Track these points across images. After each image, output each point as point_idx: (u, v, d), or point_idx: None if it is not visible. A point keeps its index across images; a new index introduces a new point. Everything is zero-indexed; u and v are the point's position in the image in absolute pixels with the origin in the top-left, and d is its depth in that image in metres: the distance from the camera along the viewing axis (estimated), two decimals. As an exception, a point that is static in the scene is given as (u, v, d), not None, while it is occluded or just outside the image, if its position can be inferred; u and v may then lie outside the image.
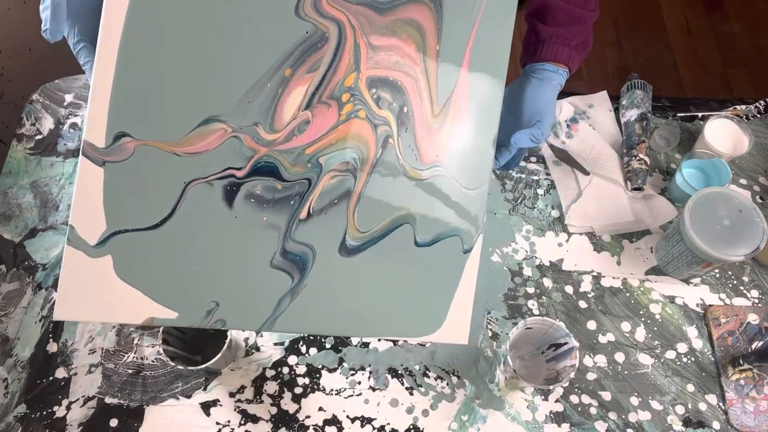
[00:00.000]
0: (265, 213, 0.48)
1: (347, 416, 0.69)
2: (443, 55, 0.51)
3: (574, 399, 0.70)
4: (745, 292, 0.76)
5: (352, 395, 0.70)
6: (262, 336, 0.72)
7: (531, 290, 0.76)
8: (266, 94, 0.46)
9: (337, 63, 0.48)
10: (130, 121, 0.44)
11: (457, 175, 0.53)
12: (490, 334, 0.73)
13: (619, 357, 0.72)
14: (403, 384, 0.70)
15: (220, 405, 0.69)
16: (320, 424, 0.68)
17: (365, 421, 0.68)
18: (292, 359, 0.71)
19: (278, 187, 0.48)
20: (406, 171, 0.51)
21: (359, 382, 0.70)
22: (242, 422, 0.68)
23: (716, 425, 0.68)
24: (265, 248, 0.48)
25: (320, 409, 0.69)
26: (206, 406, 0.69)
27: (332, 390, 0.70)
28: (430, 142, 0.52)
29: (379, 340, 0.72)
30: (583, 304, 0.75)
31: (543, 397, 0.70)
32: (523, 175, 0.84)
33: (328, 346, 0.72)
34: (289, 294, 0.49)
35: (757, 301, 0.75)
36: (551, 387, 0.62)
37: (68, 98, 0.89)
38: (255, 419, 0.68)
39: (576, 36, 0.65)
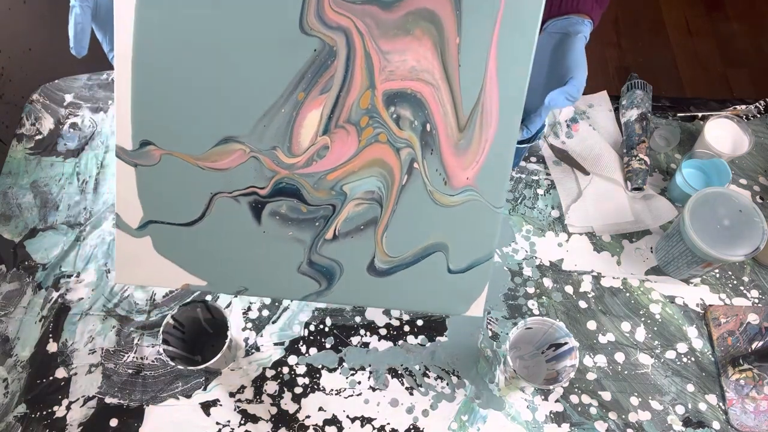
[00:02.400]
0: (290, 229, 0.49)
1: (347, 416, 0.69)
2: (465, 50, 0.45)
3: (574, 399, 0.70)
4: (745, 292, 0.76)
5: (352, 395, 0.70)
6: (262, 336, 0.72)
7: (531, 290, 0.76)
8: (281, 118, 0.47)
9: (349, 80, 0.46)
10: (152, 131, 0.47)
11: (488, 195, 0.50)
12: (490, 334, 0.73)
13: (619, 357, 0.72)
14: (403, 384, 0.70)
15: (220, 405, 0.69)
16: (320, 424, 0.68)
17: (365, 421, 0.68)
18: (292, 359, 0.71)
19: (303, 210, 0.49)
20: (435, 198, 0.49)
21: (359, 382, 0.70)
22: (242, 422, 0.68)
23: (716, 425, 0.68)
24: (292, 257, 0.50)
25: (320, 409, 0.69)
26: (206, 406, 0.69)
27: (332, 390, 0.70)
28: (459, 163, 0.49)
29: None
30: (583, 304, 0.75)
31: (543, 397, 0.70)
32: (523, 175, 0.84)
33: (328, 346, 0.72)
34: (315, 295, 0.51)
35: (757, 301, 0.75)
36: (551, 387, 0.62)
37: (68, 98, 0.89)
38: (255, 419, 0.68)
39: None
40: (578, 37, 0.61)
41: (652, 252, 0.78)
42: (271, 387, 0.70)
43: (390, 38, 0.44)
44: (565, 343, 0.63)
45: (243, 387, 0.70)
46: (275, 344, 0.72)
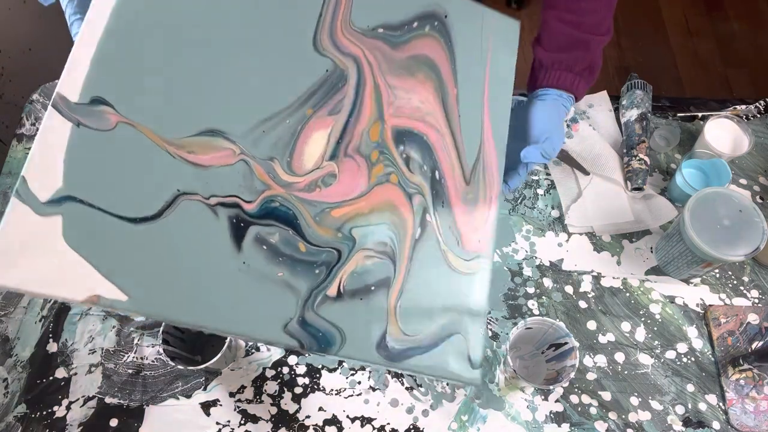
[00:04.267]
0: (280, 268, 0.40)
1: (347, 416, 0.69)
2: (463, 101, 0.46)
3: (574, 399, 0.70)
4: (745, 292, 0.76)
5: (352, 395, 0.70)
6: (262, 336, 0.72)
7: (531, 290, 0.76)
8: (285, 129, 0.42)
9: (359, 107, 0.44)
10: (113, 89, 0.38)
11: (491, 262, 0.47)
12: (490, 334, 0.73)
13: (619, 357, 0.72)
14: (403, 384, 0.70)
15: (220, 405, 0.69)
16: (320, 424, 0.68)
17: (365, 421, 0.68)
18: (292, 359, 0.71)
19: (302, 249, 0.41)
20: (449, 260, 0.46)
21: (359, 382, 0.70)
22: (242, 422, 0.68)
23: (716, 425, 0.68)
24: (278, 308, 0.40)
25: (320, 409, 0.69)
26: (206, 406, 0.69)
27: (332, 390, 0.70)
28: (469, 222, 0.46)
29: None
30: (583, 304, 0.75)
31: (543, 397, 0.70)
32: (523, 175, 0.84)
33: (328, 346, 0.72)
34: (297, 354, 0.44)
35: (757, 301, 0.75)
36: (551, 387, 0.62)
37: (68, 98, 0.89)
38: (255, 419, 0.68)
39: (579, 62, 0.61)
40: (557, 106, 0.61)
41: (652, 252, 0.78)
42: (271, 387, 0.70)
43: (396, 76, 0.45)
44: (565, 343, 0.64)
45: (243, 387, 0.70)
46: (275, 344, 0.72)
